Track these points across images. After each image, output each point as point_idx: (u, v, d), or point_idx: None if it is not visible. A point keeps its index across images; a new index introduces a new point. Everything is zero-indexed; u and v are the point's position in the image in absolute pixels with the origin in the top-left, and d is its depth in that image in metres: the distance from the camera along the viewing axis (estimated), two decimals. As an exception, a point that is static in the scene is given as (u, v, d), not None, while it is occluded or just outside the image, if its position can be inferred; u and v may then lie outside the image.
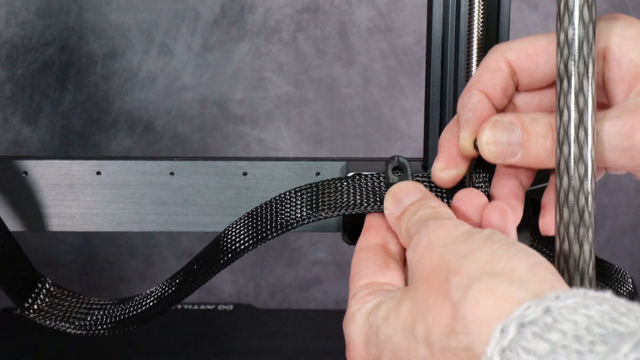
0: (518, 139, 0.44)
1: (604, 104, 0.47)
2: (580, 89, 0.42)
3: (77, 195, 0.64)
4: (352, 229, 0.62)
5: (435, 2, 0.60)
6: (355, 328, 0.42)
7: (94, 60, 1.09)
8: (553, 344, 0.33)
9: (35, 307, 0.56)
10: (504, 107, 0.48)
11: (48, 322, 0.56)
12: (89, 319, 0.56)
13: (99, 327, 0.56)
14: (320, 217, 0.50)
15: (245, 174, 0.64)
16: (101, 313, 0.56)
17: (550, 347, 0.33)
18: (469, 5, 0.58)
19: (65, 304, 0.57)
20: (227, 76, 1.11)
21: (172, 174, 0.64)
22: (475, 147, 0.46)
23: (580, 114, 0.42)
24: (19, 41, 1.08)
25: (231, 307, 1.00)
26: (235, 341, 0.91)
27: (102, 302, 0.57)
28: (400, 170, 0.51)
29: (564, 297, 0.34)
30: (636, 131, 0.43)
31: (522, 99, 0.48)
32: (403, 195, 0.47)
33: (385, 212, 0.48)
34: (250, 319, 0.97)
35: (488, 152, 0.45)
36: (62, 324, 0.56)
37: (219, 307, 1.00)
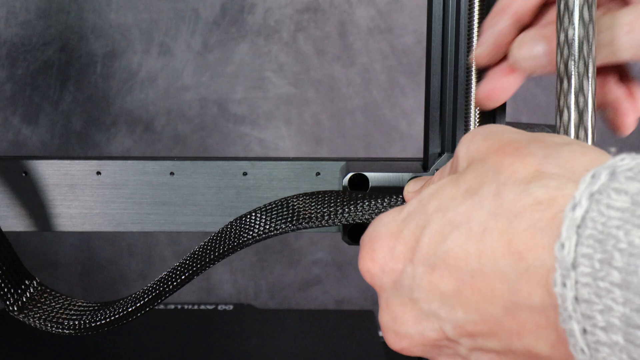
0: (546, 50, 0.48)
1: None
2: (580, 89, 0.42)
3: (77, 195, 0.64)
4: (352, 229, 0.62)
5: (435, 2, 0.60)
6: (385, 219, 0.40)
7: (94, 60, 1.09)
8: None
9: (20, 304, 0.56)
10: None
11: (31, 321, 0.56)
12: (76, 321, 0.56)
13: (85, 328, 0.56)
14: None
15: (245, 174, 0.64)
16: (89, 316, 0.56)
17: None
18: (469, 5, 0.58)
19: (53, 304, 0.57)
20: (227, 76, 1.11)
21: (172, 174, 0.64)
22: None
23: (580, 114, 0.42)
24: (19, 41, 1.08)
25: (231, 307, 1.00)
26: (235, 341, 0.91)
27: (89, 305, 0.57)
28: None
29: None
30: None
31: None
32: (422, 180, 0.48)
33: (406, 193, 0.48)
34: (250, 319, 0.97)
35: (523, 66, 0.50)
36: (46, 323, 0.56)
37: (219, 307, 1.00)
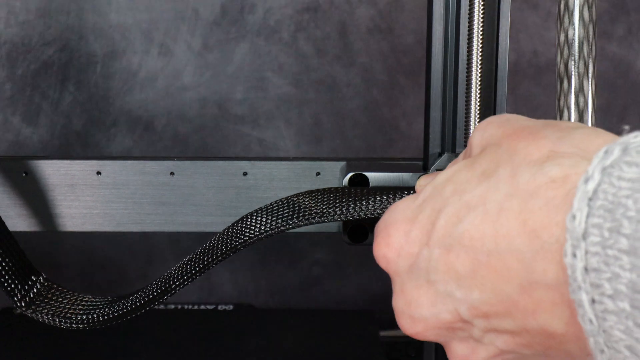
0: None
1: None
2: (580, 89, 0.42)
3: (77, 195, 0.64)
4: (352, 229, 0.62)
5: (435, 2, 0.60)
6: (401, 206, 0.41)
7: (94, 60, 1.09)
8: None
9: (29, 301, 0.56)
10: None
11: (39, 316, 0.56)
12: (85, 316, 0.56)
13: (94, 322, 0.56)
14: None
15: (245, 174, 0.64)
16: (98, 310, 0.56)
17: None
18: (469, 5, 0.58)
19: (60, 300, 0.57)
20: (227, 76, 1.11)
21: (172, 174, 0.64)
22: None
23: (580, 114, 0.42)
24: (19, 41, 1.08)
25: (231, 307, 1.00)
26: (235, 341, 0.91)
27: (97, 299, 0.57)
28: None
29: None
30: None
31: None
32: (434, 175, 0.48)
33: (418, 187, 0.48)
34: (250, 319, 0.97)
35: None
36: (54, 319, 0.56)
37: (219, 307, 1.00)
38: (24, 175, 0.64)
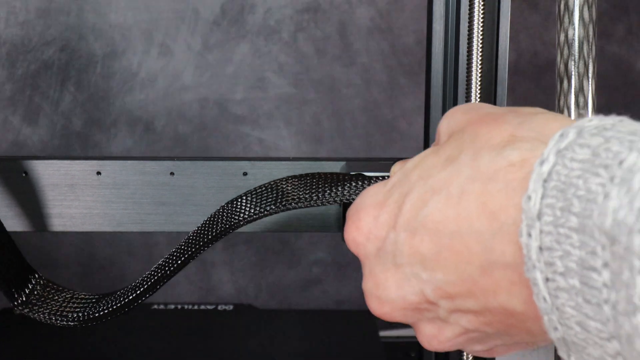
0: None
1: None
2: (580, 89, 0.43)
3: (77, 195, 0.64)
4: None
5: (435, 2, 0.60)
6: (372, 191, 0.42)
7: (94, 60, 1.09)
8: (608, 138, 0.32)
9: (26, 299, 0.56)
10: None
11: (36, 314, 0.56)
12: (80, 313, 0.56)
13: (89, 319, 0.56)
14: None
15: (245, 174, 0.64)
16: (92, 307, 0.56)
17: (604, 140, 0.32)
18: (469, 5, 0.58)
19: (56, 298, 0.57)
20: (227, 76, 1.11)
21: (172, 174, 0.64)
22: None
23: (580, 114, 0.42)
24: (19, 41, 1.08)
25: (231, 307, 1.00)
26: (235, 341, 0.91)
27: (92, 296, 0.57)
28: None
29: (627, 121, 0.34)
30: None
31: None
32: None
33: (392, 174, 0.49)
34: (250, 319, 0.97)
35: None
36: (51, 317, 0.56)
37: (219, 307, 1.00)
38: (23, 175, 0.64)
